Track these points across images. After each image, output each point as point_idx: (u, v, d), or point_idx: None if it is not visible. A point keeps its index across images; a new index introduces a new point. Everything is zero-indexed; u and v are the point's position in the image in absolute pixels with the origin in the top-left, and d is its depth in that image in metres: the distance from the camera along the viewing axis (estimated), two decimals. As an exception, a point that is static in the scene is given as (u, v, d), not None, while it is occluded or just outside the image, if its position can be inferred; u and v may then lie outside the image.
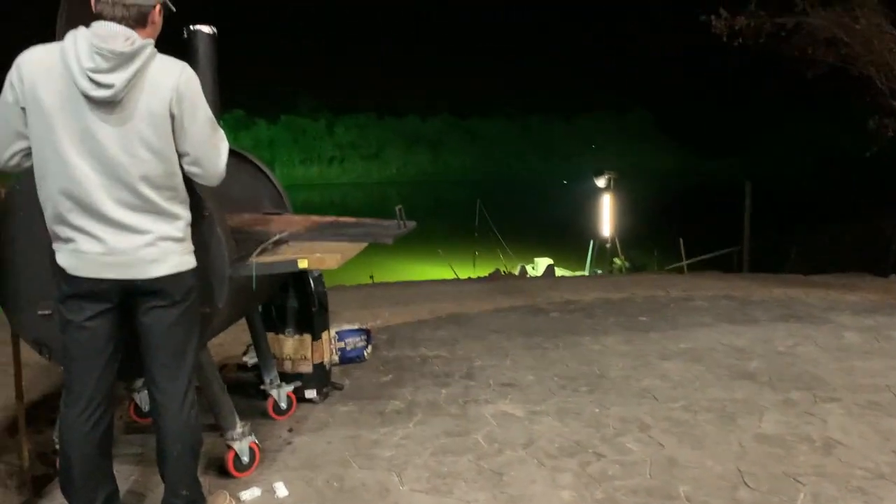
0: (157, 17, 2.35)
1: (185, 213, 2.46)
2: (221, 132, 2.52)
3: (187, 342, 2.53)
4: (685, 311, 6.19)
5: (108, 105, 2.22)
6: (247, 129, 50.42)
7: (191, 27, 3.73)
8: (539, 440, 3.51)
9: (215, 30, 3.73)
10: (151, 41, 2.31)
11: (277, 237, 3.06)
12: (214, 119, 2.47)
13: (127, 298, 2.41)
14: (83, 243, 2.31)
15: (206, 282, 2.74)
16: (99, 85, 2.18)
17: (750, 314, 6.07)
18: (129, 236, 2.32)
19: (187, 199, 2.48)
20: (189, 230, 2.49)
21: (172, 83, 2.29)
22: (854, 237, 12.55)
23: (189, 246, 2.49)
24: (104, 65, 2.18)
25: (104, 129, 2.23)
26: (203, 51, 3.73)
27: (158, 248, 2.36)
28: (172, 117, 2.30)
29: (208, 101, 3.82)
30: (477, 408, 3.94)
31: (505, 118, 58.60)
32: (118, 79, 2.19)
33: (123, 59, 2.20)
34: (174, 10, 2.46)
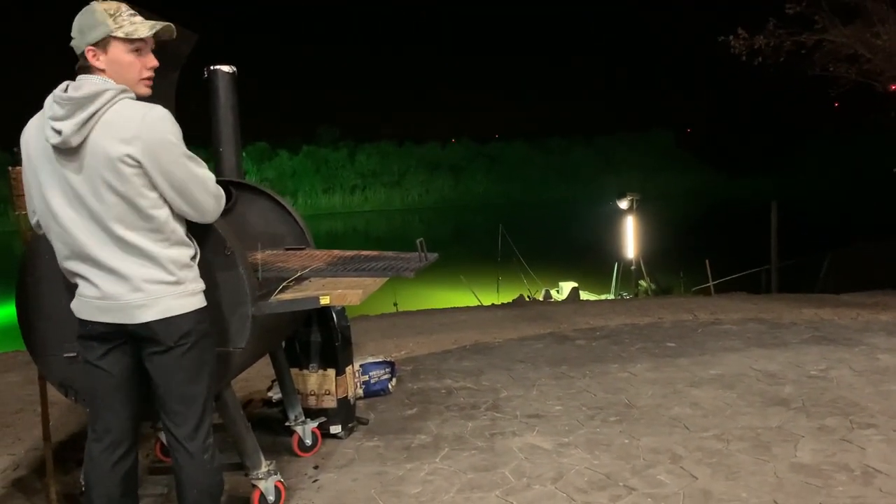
0: (92, 59, 2.26)
1: (181, 255, 2.39)
2: (204, 168, 2.41)
3: (192, 387, 2.44)
4: (714, 336, 6.08)
5: (68, 152, 2.22)
6: (270, 161, 50.98)
7: (211, 67, 3.79)
8: (568, 473, 3.44)
9: (235, 69, 3.79)
10: (112, 85, 2.24)
11: (299, 274, 3.05)
12: (193, 156, 2.36)
13: (129, 341, 2.40)
14: (83, 287, 2.36)
15: (229, 320, 2.75)
16: (54, 132, 2.21)
17: (780, 337, 5.95)
18: (118, 280, 2.30)
19: (184, 240, 2.41)
20: (188, 272, 2.41)
21: (133, 130, 2.21)
22: (884, 254, 12.33)
23: (187, 288, 2.39)
24: (60, 112, 2.20)
25: (73, 176, 2.25)
26: (223, 89, 3.80)
27: (145, 292, 2.30)
28: (139, 164, 2.23)
29: (228, 138, 3.88)
30: (504, 441, 3.88)
31: (525, 142, 58.62)
32: (67, 125, 2.19)
33: (75, 105, 2.19)
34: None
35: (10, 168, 3.10)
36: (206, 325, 2.48)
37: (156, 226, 2.31)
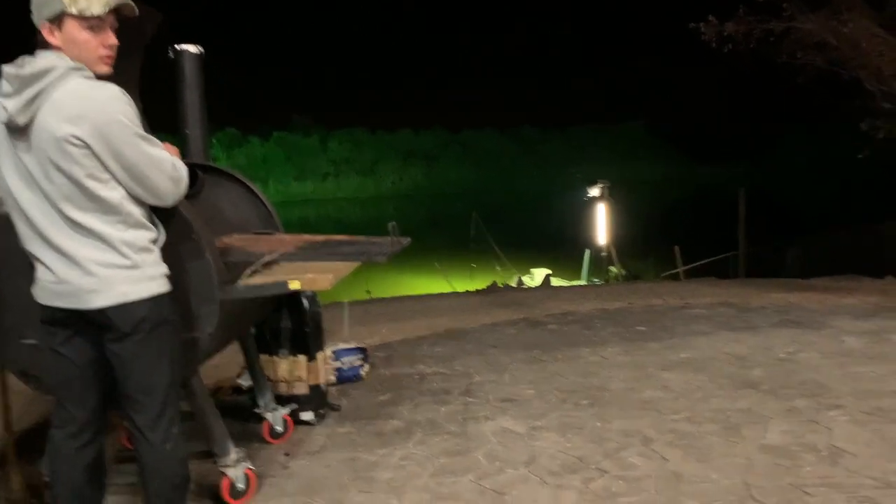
0: (48, 36, 2.18)
1: (138, 237, 2.29)
2: (159, 149, 2.30)
3: (151, 376, 2.35)
4: (683, 320, 6.14)
5: (18, 130, 2.15)
6: (240, 147, 50.47)
7: (176, 47, 3.71)
8: (540, 457, 3.44)
9: (202, 49, 3.71)
10: (63, 62, 2.15)
11: (267, 258, 3.00)
12: (147, 136, 2.26)
13: (89, 327, 2.32)
14: (41, 271, 2.29)
15: (196, 306, 2.69)
16: (3, 109, 2.14)
17: (749, 321, 6.02)
18: (71, 264, 2.22)
19: (142, 223, 2.31)
20: (146, 256, 2.31)
21: (79, 109, 2.13)
22: (850, 240, 12.55)
23: (144, 273, 2.29)
24: (8, 89, 2.14)
25: (25, 155, 2.18)
26: (189, 70, 3.71)
27: (97, 277, 2.22)
28: (87, 145, 2.13)
29: (195, 120, 3.80)
30: (477, 425, 3.87)
31: (498, 130, 58.70)
32: (12, 103, 2.12)
33: (22, 82, 2.12)
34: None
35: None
36: (167, 311, 2.37)
37: (108, 207, 2.21)
